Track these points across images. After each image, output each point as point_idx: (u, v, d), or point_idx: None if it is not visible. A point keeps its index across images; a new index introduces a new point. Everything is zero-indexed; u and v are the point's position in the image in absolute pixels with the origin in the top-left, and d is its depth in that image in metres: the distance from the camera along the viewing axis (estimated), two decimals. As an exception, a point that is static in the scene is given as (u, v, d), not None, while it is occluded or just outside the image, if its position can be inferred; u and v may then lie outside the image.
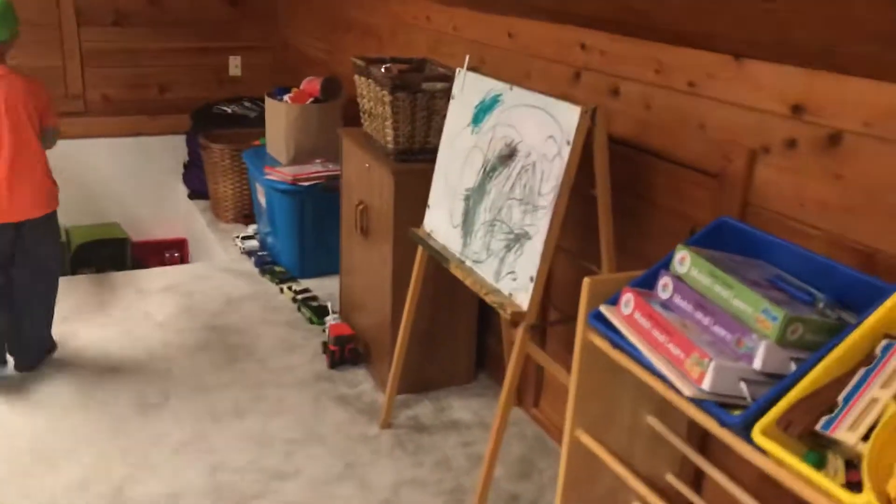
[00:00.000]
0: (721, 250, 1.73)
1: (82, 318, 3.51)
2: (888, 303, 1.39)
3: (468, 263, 2.39)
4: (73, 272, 4.45)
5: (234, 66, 5.34)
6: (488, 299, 2.24)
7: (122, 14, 4.95)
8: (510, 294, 2.19)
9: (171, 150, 5.24)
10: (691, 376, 1.47)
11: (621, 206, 2.30)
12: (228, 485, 2.50)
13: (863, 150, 1.68)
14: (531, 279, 2.13)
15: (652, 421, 1.94)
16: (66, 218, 5.13)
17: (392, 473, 2.58)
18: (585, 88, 2.50)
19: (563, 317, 2.71)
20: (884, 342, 1.37)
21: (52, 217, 3.02)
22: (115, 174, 5.20)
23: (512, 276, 2.20)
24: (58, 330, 3.25)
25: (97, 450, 2.63)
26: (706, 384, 1.43)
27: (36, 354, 3.09)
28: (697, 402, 1.46)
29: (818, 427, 1.32)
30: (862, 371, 1.35)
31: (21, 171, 2.84)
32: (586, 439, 1.87)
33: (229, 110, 5.09)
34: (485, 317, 3.11)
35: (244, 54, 5.36)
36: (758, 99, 1.91)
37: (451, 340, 3.06)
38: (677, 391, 1.50)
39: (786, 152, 1.85)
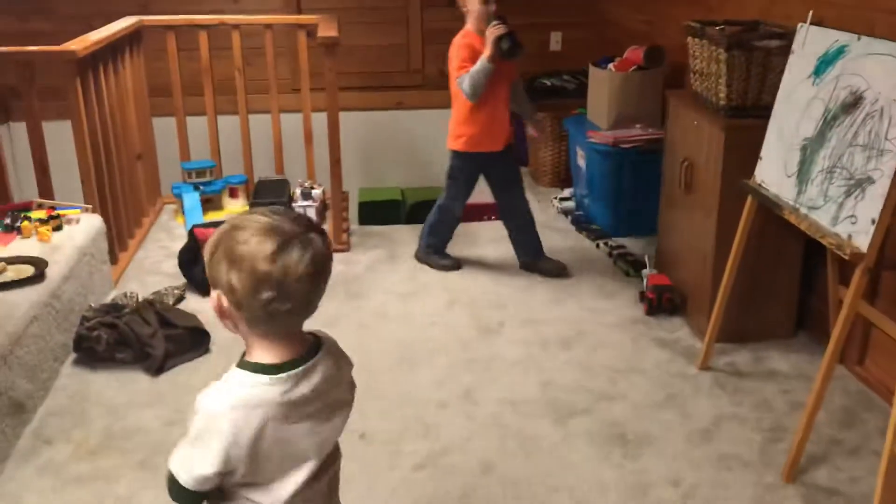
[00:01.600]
0: None
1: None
2: None
3: (803, 210, 2.47)
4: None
5: (555, 41, 5.67)
6: (825, 241, 2.32)
7: (459, -7, 5.44)
8: (849, 236, 2.25)
9: (495, 120, 5.68)
10: None
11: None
12: (559, 399, 2.80)
13: None
14: (872, 222, 2.17)
15: None
16: (402, 179, 5.80)
17: (712, 408, 2.73)
18: (939, 40, 2.44)
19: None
20: None
21: (454, 155, 3.86)
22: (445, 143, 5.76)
23: (851, 220, 2.26)
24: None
25: (448, 359, 3.08)
26: None
27: (421, 253, 4.01)
28: None
29: None
30: None
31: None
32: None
33: (549, 83, 5.43)
34: (808, 277, 3.13)
35: (564, 30, 5.66)
36: None
37: (771, 295, 3.12)
38: None
39: None
